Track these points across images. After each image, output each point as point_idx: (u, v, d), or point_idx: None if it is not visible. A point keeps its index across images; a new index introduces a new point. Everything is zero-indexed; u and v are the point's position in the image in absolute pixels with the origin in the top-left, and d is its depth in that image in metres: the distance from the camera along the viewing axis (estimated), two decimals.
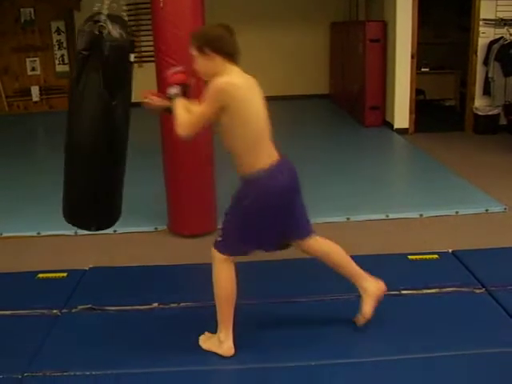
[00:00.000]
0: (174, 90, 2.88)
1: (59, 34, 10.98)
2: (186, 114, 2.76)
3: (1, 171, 7.12)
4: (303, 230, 2.96)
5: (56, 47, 11.04)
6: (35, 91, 11.16)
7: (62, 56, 11.08)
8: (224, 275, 2.81)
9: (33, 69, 11.11)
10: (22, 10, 10.81)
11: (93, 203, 3.20)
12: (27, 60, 11.05)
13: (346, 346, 2.95)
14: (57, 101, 11.17)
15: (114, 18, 2.98)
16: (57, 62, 11.11)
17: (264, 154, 2.73)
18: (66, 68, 11.07)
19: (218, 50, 2.69)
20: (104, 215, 3.31)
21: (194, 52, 2.74)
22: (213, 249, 2.84)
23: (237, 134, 2.70)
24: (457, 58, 9.36)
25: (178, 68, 3.00)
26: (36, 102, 11.22)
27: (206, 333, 2.97)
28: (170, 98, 2.87)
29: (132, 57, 3.08)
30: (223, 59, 2.70)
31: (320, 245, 2.99)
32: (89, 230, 3.40)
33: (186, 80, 2.93)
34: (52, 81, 11.18)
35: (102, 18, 2.88)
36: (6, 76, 11.06)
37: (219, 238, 2.83)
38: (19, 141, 8.94)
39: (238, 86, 2.66)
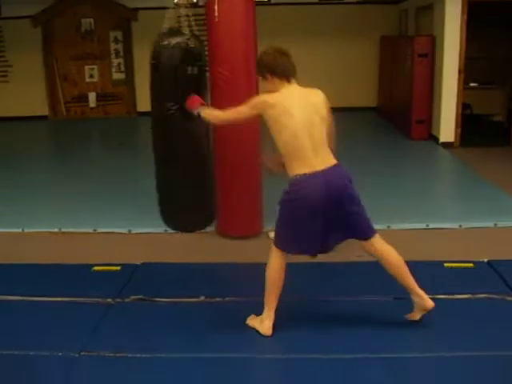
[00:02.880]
0: (197, 109, 3.63)
1: (117, 43, 11.43)
2: (216, 111, 3.52)
3: (58, 171, 7.54)
4: (359, 234, 3.19)
5: (113, 56, 11.50)
6: (92, 97, 11.63)
7: (119, 64, 11.53)
8: (273, 265, 3.17)
9: (91, 76, 11.58)
10: (82, 20, 11.31)
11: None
12: (86, 67, 11.53)
13: (380, 342, 3.13)
14: (112, 107, 11.65)
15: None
16: (113, 69, 11.58)
17: (301, 163, 3.05)
18: (122, 76, 11.53)
19: (274, 73, 3.14)
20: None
21: (258, 76, 3.31)
22: (272, 246, 3.22)
23: (277, 140, 3.12)
24: (505, 73, 9.37)
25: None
26: (92, 108, 11.68)
27: (253, 314, 3.29)
28: (198, 114, 3.61)
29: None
30: (280, 79, 3.14)
31: (385, 253, 3.22)
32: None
33: (202, 101, 3.73)
34: (108, 88, 11.64)
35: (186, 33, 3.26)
36: (65, 82, 11.55)
37: (275, 237, 3.23)
38: (76, 143, 9.37)
39: (274, 104, 3.08)
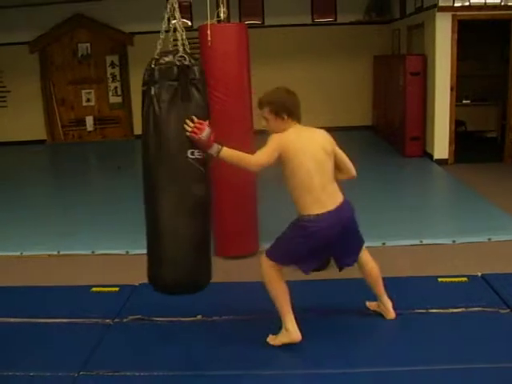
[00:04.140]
0: (214, 149, 3.04)
1: (113, 68, 11.57)
2: (244, 154, 3.15)
3: (56, 195, 7.60)
4: (348, 259, 3.39)
5: (110, 80, 11.63)
6: (89, 121, 11.74)
7: (116, 88, 11.65)
8: (270, 277, 3.23)
9: (88, 100, 11.70)
10: (79, 45, 11.46)
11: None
12: (83, 92, 11.66)
13: (372, 355, 3.18)
14: (109, 130, 11.77)
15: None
16: (110, 93, 11.70)
17: (312, 203, 3.14)
18: (119, 99, 11.66)
19: (291, 115, 3.20)
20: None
21: (268, 115, 3.21)
22: (262, 256, 3.29)
23: (288, 182, 3.19)
24: (499, 89, 9.48)
25: (208, 128, 2.99)
26: (90, 132, 11.79)
27: (270, 335, 3.33)
28: (216, 155, 3.06)
29: None
30: (293, 120, 3.22)
31: (364, 261, 3.47)
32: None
33: (216, 136, 3.05)
34: (105, 111, 11.76)
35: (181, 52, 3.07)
36: (62, 107, 11.67)
37: (271, 245, 3.29)
38: (74, 166, 9.44)
39: (289, 139, 3.14)
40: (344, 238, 3.23)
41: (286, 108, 3.18)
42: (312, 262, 3.26)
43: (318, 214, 3.11)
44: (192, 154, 2.98)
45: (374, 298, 3.57)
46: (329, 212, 3.13)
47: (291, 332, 3.22)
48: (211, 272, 3.26)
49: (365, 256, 3.45)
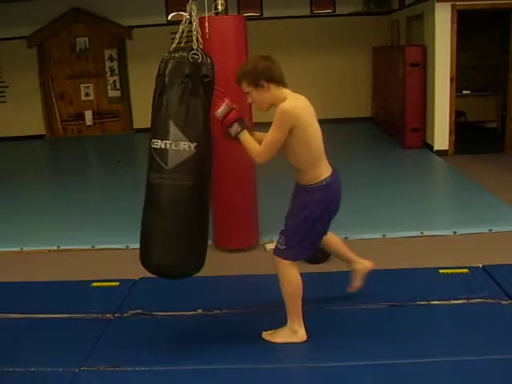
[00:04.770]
0: (235, 129, 3.07)
1: (112, 61, 11.52)
2: (258, 145, 3.05)
3: (56, 190, 7.59)
4: None
5: (108, 74, 11.59)
6: (88, 115, 11.70)
7: (114, 82, 11.61)
8: (291, 276, 3.17)
9: (86, 94, 11.66)
10: (77, 39, 11.41)
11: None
12: (81, 86, 11.62)
13: (377, 349, 3.16)
14: (109, 125, 11.74)
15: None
16: (109, 87, 11.65)
17: (323, 167, 3.10)
18: (118, 93, 11.62)
19: (271, 79, 2.99)
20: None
21: (247, 88, 3.03)
22: (276, 257, 3.19)
23: (301, 150, 3.03)
24: (499, 80, 9.46)
25: (225, 106, 3.10)
26: (89, 126, 11.76)
27: (268, 331, 3.28)
28: (236, 137, 3.08)
29: None
30: (277, 86, 3.02)
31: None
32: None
33: (239, 114, 3.11)
34: (104, 106, 11.72)
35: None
36: (61, 101, 11.64)
37: (283, 247, 3.16)
38: (73, 161, 9.44)
39: (300, 107, 3.00)
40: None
41: (263, 74, 2.97)
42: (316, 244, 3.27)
43: (329, 176, 3.09)
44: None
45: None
46: (333, 174, 3.12)
47: (300, 334, 3.21)
48: (203, 261, 3.28)
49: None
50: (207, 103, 3.10)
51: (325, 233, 3.27)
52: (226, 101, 3.11)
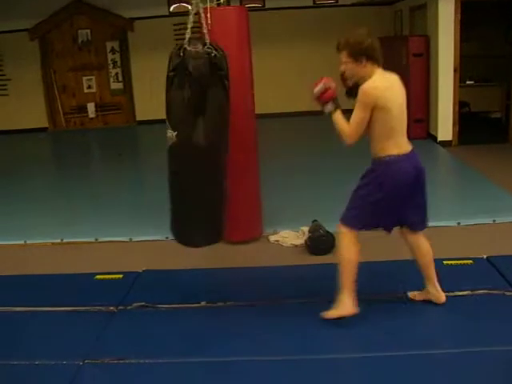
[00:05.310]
0: (329, 107, 3.24)
1: (114, 54, 11.49)
2: (348, 125, 3.16)
3: (59, 183, 7.59)
4: (418, 223, 3.36)
5: (111, 66, 11.56)
6: (91, 108, 11.69)
7: (117, 74, 11.59)
8: (345, 249, 3.23)
9: (89, 87, 11.64)
10: (79, 31, 11.38)
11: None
12: (84, 78, 11.59)
13: (382, 338, 3.18)
14: (111, 117, 11.72)
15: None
16: (111, 79, 11.63)
17: (396, 143, 3.13)
18: (120, 86, 11.59)
19: (371, 59, 3.09)
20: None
21: (346, 58, 3.13)
22: (340, 223, 3.24)
23: (377, 121, 3.10)
24: (503, 70, 9.40)
25: (322, 85, 3.26)
26: (92, 119, 11.74)
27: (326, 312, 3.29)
28: (329, 114, 3.23)
29: None
30: (373, 65, 3.11)
31: (421, 242, 3.43)
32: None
33: (335, 94, 3.25)
34: (107, 98, 11.70)
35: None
36: (63, 94, 11.62)
37: (349, 213, 3.22)
38: (76, 154, 9.43)
39: (381, 88, 3.07)
40: (416, 190, 3.22)
41: (366, 52, 3.06)
42: (392, 217, 3.25)
43: (398, 155, 3.11)
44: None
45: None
46: (406, 153, 3.14)
47: (347, 305, 3.21)
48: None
49: (421, 237, 3.41)
50: (226, 95, 3.27)
51: (385, 215, 3.23)
52: (324, 80, 3.25)
